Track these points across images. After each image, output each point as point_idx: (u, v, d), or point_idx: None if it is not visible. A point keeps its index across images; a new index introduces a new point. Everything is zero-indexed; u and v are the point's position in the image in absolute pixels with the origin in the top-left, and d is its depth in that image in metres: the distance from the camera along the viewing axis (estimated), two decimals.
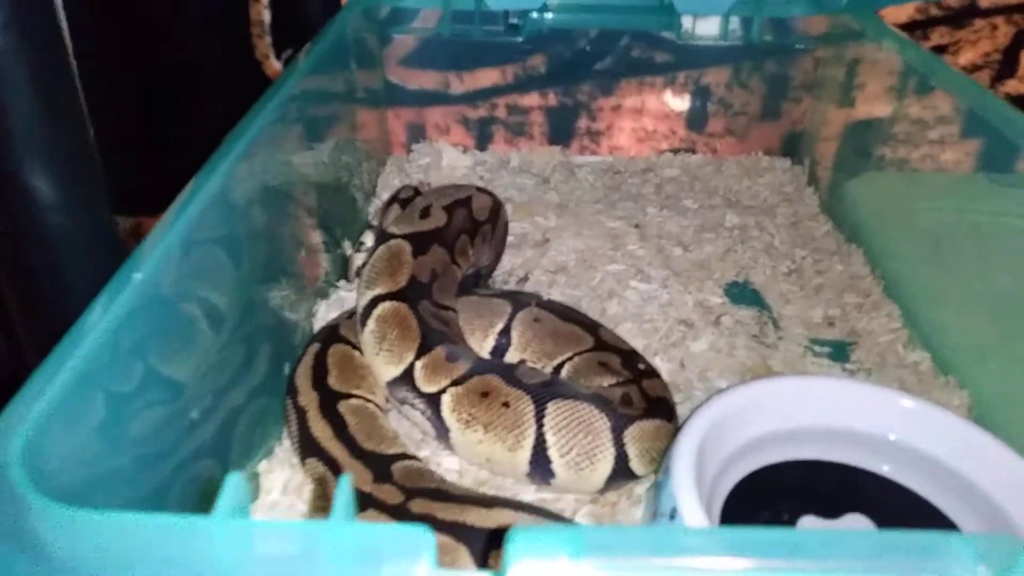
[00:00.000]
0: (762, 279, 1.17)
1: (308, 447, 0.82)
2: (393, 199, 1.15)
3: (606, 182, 1.42)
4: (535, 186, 1.40)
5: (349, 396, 0.86)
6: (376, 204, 1.31)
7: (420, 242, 0.94)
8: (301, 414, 0.84)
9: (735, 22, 1.41)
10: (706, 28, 1.42)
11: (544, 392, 0.80)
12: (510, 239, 1.23)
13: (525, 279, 1.16)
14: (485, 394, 0.82)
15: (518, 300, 0.98)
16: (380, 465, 0.78)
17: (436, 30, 1.43)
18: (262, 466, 0.83)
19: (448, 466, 0.86)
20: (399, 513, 0.71)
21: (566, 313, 0.97)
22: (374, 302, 0.89)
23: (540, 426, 0.79)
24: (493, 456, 0.81)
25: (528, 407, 0.80)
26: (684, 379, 0.97)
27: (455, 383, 0.83)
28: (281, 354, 0.92)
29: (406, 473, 0.78)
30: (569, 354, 0.92)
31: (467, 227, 1.00)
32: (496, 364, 0.85)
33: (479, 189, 1.07)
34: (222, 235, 0.84)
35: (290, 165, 1.05)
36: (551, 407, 0.79)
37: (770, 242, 1.25)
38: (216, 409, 0.79)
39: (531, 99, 1.55)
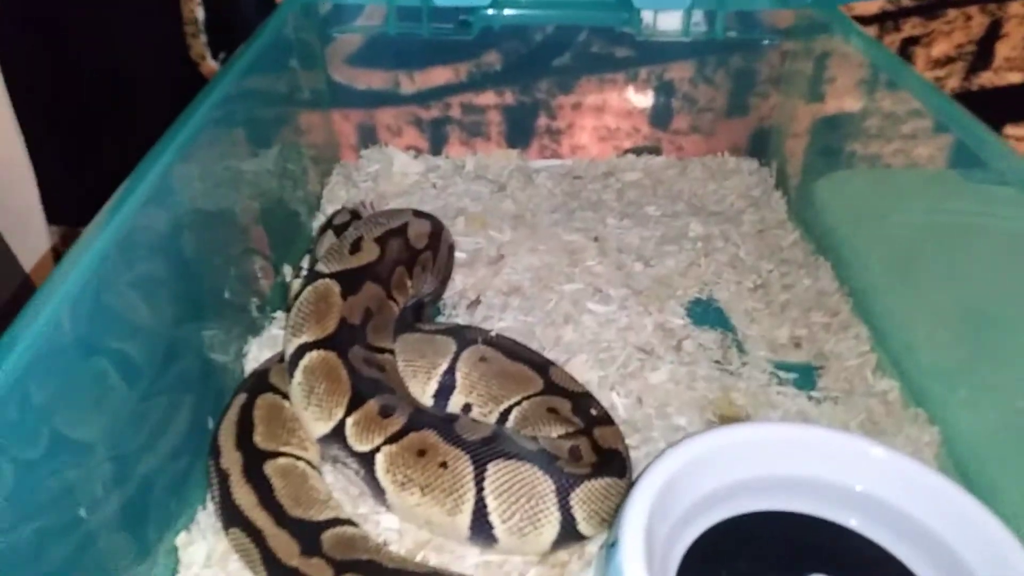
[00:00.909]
0: (726, 295, 1.11)
1: (231, 515, 0.75)
2: (328, 224, 1.08)
3: (565, 188, 1.35)
4: (491, 194, 1.33)
5: (277, 455, 0.79)
6: (321, 219, 1.24)
7: (350, 280, 0.87)
8: (223, 478, 0.77)
9: (698, 16, 1.33)
10: (667, 23, 1.34)
11: (484, 451, 0.74)
12: (462, 255, 1.17)
13: (477, 302, 1.09)
14: (422, 453, 0.75)
15: (463, 337, 0.91)
16: (309, 535, 0.73)
17: (381, 28, 1.34)
18: (181, 538, 0.76)
19: (387, 525, 0.80)
20: None
21: (515, 351, 0.91)
22: (301, 351, 0.82)
23: (480, 489, 0.73)
24: (432, 519, 0.75)
25: (467, 468, 0.74)
26: (642, 416, 0.91)
27: (389, 441, 0.76)
28: (204, 406, 0.85)
29: (337, 543, 0.73)
30: (517, 398, 0.86)
31: (403, 258, 0.93)
32: (434, 417, 0.79)
33: (416, 213, 0.99)
34: (142, 266, 0.76)
35: (225, 176, 0.97)
36: (492, 468, 0.73)
37: (735, 253, 1.19)
38: (129, 474, 0.72)
39: (487, 98, 1.47)
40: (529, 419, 0.84)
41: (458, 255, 1.17)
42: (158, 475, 0.76)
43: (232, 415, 0.82)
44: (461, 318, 1.06)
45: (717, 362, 1.00)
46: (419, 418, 0.78)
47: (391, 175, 1.37)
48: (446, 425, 0.77)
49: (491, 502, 0.73)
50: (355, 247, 0.90)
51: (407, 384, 0.88)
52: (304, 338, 0.83)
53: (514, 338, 0.95)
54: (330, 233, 1.04)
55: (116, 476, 0.69)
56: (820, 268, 1.15)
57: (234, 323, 0.97)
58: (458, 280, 1.13)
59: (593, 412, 0.83)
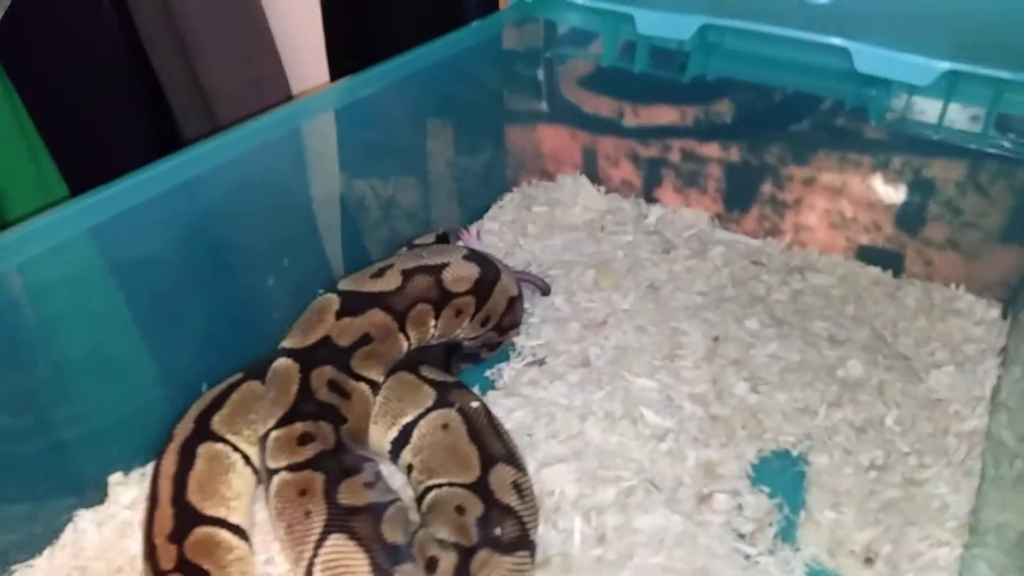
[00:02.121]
0: (825, 464, 0.87)
1: (152, 477, 0.82)
2: (410, 244, 1.08)
3: (735, 270, 1.16)
4: (650, 254, 1.20)
5: (220, 439, 0.84)
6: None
7: (355, 302, 0.87)
8: (167, 441, 0.83)
9: (958, 112, 1.02)
10: (921, 110, 1.05)
11: (339, 520, 0.71)
12: (566, 309, 1.08)
13: (542, 362, 1.01)
14: (303, 492, 0.74)
15: (444, 396, 0.86)
16: (186, 523, 0.77)
17: (599, 58, 1.27)
18: (115, 477, 0.86)
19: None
20: None
21: (480, 430, 0.83)
22: (279, 353, 0.85)
23: (314, 555, 0.70)
24: (287, 560, 0.74)
25: (317, 528, 0.71)
26: (589, 560, 0.77)
27: (289, 468, 0.76)
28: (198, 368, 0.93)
29: (199, 542, 0.76)
30: (443, 480, 0.79)
31: (431, 296, 0.90)
32: (339, 465, 0.76)
33: (469, 256, 0.94)
34: None
35: (387, 142, 1.05)
36: (331, 540, 0.70)
37: (882, 418, 0.91)
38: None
39: (710, 149, 1.31)
40: (436, 508, 0.76)
41: (562, 308, 1.09)
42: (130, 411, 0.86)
43: (216, 390, 0.89)
44: (511, 372, 0.99)
45: (741, 536, 0.80)
46: (324, 459, 0.76)
47: (572, 207, 1.31)
48: (340, 477, 0.74)
49: (317, 573, 0.69)
50: (379, 273, 0.90)
51: (374, 422, 0.86)
52: (286, 342, 0.86)
53: (536, 413, 0.88)
54: (405, 251, 1.05)
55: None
56: (974, 479, 0.84)
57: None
58: (544, 333, 1.05)
59: (497, 532, 0.73)
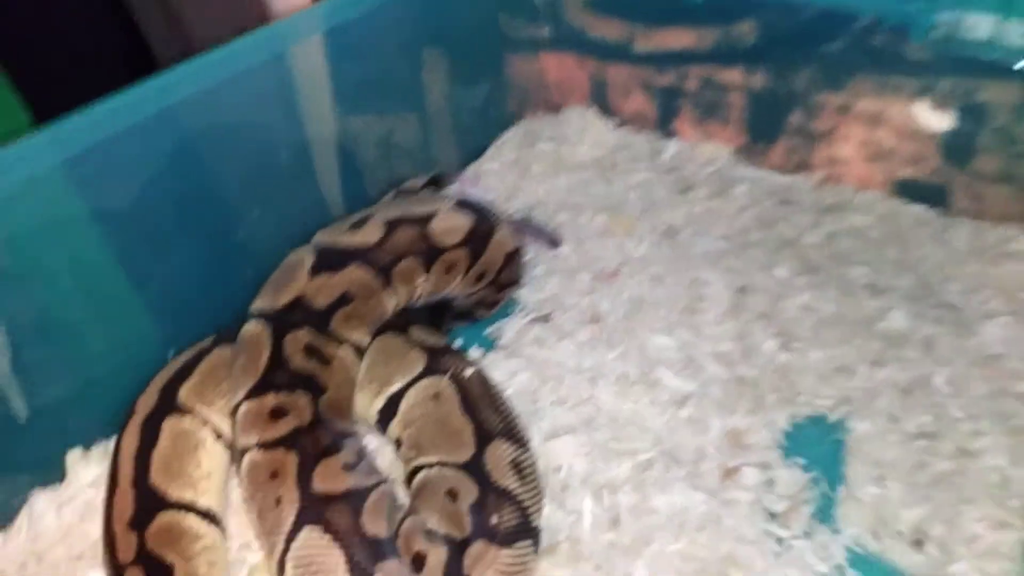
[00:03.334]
0: (867, 430, 0.77)
1: (112, 454, 0.73)
2: (397, 190, 0.96)
3: (762, 211, 1.04)
4: (666, 194, 1.08)
5: (187, 413, 0.75)
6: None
7: (330, 257, 0.76)
8: (128, 416, 0.75)
9: (1014, 28, 0.89)
10: (971, 27, 0.92)
11: (315, 511, 0.62)
12: (574, 258, 0.98)
13: (546, 319, 0.91)
14: (274, 475, 0.66)
15: (436, 361, 0.77)
16: (149, 508, 0.69)
17: None
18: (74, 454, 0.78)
19: None
20: None
21: (475, 401, 0.73)
22: (250, 314, 0.76)
23: (286, 548, 0.62)
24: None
25: (289, 518, 0.63)
26: (599, 547, 0.68)
27: (261, 445, 0.67)
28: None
29: (162, 530, 0.69)
30: (433, 460, 0.70)
31: (418, 250, 0.79)
32: (317, 443, 0.66)
33: (460, 205, 0.83)
34: None
35: (378, 74, 0.96)
36: (305, 532, 0.61)
37: (928, 376, 0.81)
38: None
39: (731, 75, 1.18)
40: (424, 493, 0.68)
41: (570, 257, 0.98)
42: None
43: (184, 357, 0.79)
44: (513, 329, 0.90)
45: (773, 516, 0.71)
46: (298, 436, 0.67)
47: (579, 143, 1.19)
48: (317, 458, 0.65)
49: (289, 569, 0.61)
50: (358, 224, 0.80)
51: (360, 389, 0.76)
52: (257, 303, 0.76)
53: (542, 377, 0.79)
54: (390, 197, 0.94)
55: None
56: None
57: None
58: (550, 286, 0.95)
59: (494, 520, 0.64)
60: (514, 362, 0.85)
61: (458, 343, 0.88)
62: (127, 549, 0.65)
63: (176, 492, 0.70)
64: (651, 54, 1.22)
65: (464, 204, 0.84)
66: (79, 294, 0.75)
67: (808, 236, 1.00)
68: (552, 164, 1.16)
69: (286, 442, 0.66)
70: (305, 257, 0.77)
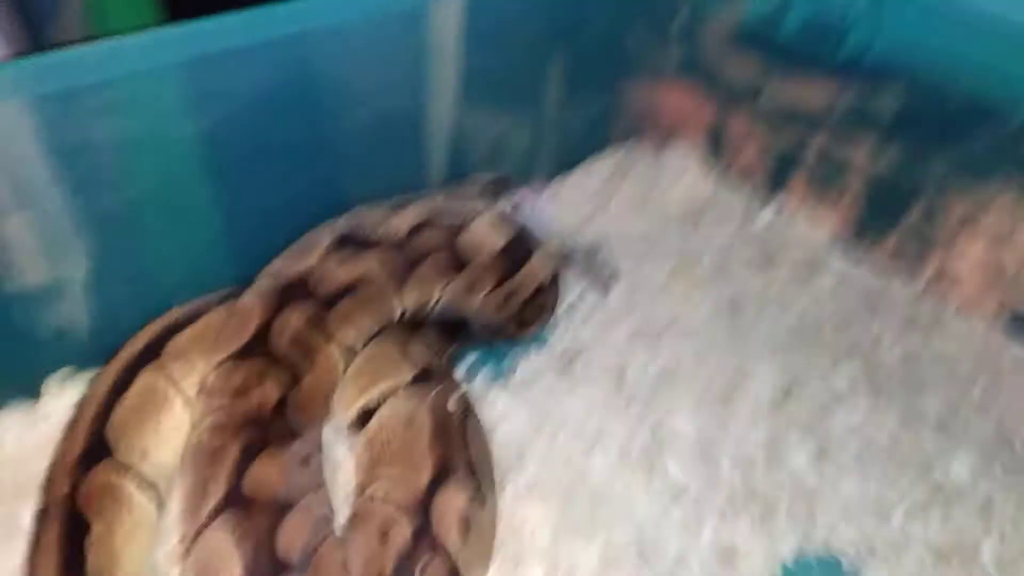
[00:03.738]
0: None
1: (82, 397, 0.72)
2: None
3: (842, 309, 0.93)
4: (743, 265, 0.99)
5: (163, 369, 0.72)
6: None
7: (351, 242, 0.72)
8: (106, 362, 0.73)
9: None
10: None
11: (232, 510, 0.58)
12: (631, 308, 0.90)
13: (568, 364, 0.84)
14: (213, 460, 0.62)
15: (423, 384, 0.71)
16: (90, 459, 0.66)
17: (740, 17, 1.05)
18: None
19: None
20: None
21: (447, 438, 0.67)
22: (258, 279, 0.73)
23: (194, 541, 0.58)
24: None
25: (206, 510, 0.59)
26: None
27: (213, 425, 0.64)
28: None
29: (95, 487, 0.65)
30: (382, 490, 0.64)
31: (441, 256, 0.74)
32: (262, 435, 0.62)
33: (501, 219, 0.77)
34: None
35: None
36: (212, 533, 0.57)
37: (979, 545, 0.69)
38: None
39: (856, 153, 1.07)
40: (356, 522, 0.62)
41: (618, 307, 0.91)
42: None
43: (185, 308, 0.77)
44: (528, 366, 0.83)
45: None
46: (253, 423, 0.63)
47: (670, 189, 1.11)
48: (261, 449, 0.61)
49: (189, 560, 0.57)
50: (389, 214, 0.76)
51: (340, 392, 0.72)
52: (267, 270, 0.73)
53: (537, 426, 0.74)
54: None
55: None
56: None
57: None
58: (585, 331, 0.88)
59: (416, 571, 0.57)
60: (515, 402, 0.78)
61: (468, 360, 0.83)
62: (56, 500, 0.63)
63: (124, 452, 0.67)
64: (778, 109, 1.12)
65: (506, 219, 0.78)
66: (159, 200, 0.74)
67: (885, 351, 0.88)
68: (635, 205, 1.08)
69: (238, 426, 0.63)
70: (324, 235, 0.73)
